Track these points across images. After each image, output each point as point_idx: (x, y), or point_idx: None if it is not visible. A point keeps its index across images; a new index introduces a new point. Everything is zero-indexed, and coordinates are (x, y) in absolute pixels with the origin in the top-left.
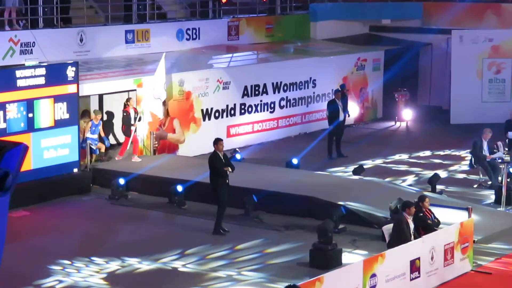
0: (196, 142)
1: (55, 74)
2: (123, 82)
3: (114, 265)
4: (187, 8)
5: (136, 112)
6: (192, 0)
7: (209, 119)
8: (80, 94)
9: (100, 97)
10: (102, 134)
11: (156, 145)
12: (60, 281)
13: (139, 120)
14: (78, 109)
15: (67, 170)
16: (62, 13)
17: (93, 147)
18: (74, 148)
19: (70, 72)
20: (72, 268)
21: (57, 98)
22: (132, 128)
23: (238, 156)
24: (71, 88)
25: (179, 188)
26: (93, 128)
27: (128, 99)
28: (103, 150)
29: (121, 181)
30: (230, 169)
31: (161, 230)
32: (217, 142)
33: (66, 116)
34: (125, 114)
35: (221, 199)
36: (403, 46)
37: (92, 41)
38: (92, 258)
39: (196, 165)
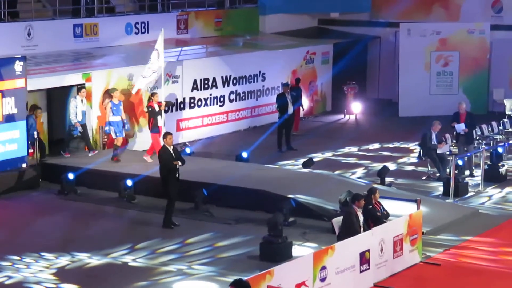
0: (145, 136)
1: (2, 68)
2: (72, 77)
3: (64, 260)
4: (135, 1)
5: (160, 106)
6: None
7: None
8: (28, 89)
9: (49, 91)
10: (123, 117)
11: (106, 140)
12: (10, 277)
13: (160, 114)
14: (27, 104)
15: (15, 165)
16: (10, 7)
17: (113, 134)
18: (23, 143)
19: (18, 66)
20: (22, 263)
21: (5, 93)
22: (160, 123)
23: (188, 150)
24: (19, 83)
25: (129, 182)
26: (114, 109)
27: (153, 94)
28: (119, 143)
29: (70, 176)
30: (180, 163)
31: (111, 224)
32: (166, 136)
33: (14, 111)
34: (150, 109)
35: (170, 193)
36: (352, 39)
37: (40, 35)
38: (42, 253)
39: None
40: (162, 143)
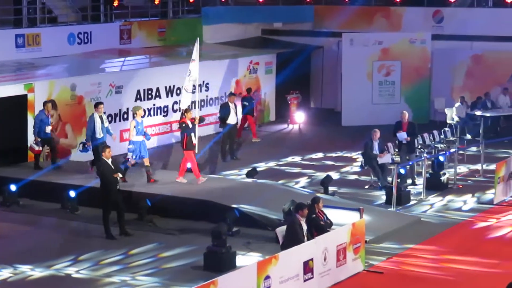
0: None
1: None
2: (14, 87)
3: (6, 273)
4: (78, 11)
5: (193, 122)
6: (83, 3)
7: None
8: None
9: None
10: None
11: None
12: None
13: (193, 131)
14: None
15: None
16: None
17: (131, 159)
18: None
19: None
20: None
21: None
22: (195, 141)
23: (129, 164)
24: None
25: (72, 193)
26: (139, 127)
27: (186, 110)
28: (147, 163)
29: (13, 187)
30: (120, 175)
31: (54, 236)
32: (105, 149)
33: None
34: (183, 125)
35: (107, 205)
36: (295, 49)
37: None
38: None
39: (34, 167)
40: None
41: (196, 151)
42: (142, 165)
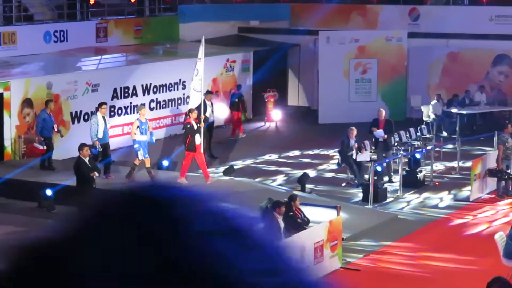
0: (65, 146)
1: None
2: None
3: None
4: (54, 10)
5: (198, 123)
6: (60, 2)
7: (78, 122)
8: None
9: None
10: (150, 129)
11: (25, 149)
12: None
13: (198, 132)
14: None
15: None
16: None
17: (140, 155)
18: None
19: None
20: None
21: None
22: (198, 142)
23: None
24: None
25: (48, 192)
26: (143, 127)
27: (190, 110)
28: (148, 164)
29: None
30: (96, 174)
31: (30, 235)
32: (82, 148)
33: None
34: (188, 126)
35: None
36: (272, 47)
37: None
38: None
39: (66, 169)
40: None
41: (202, 151)
42: (143, 166)
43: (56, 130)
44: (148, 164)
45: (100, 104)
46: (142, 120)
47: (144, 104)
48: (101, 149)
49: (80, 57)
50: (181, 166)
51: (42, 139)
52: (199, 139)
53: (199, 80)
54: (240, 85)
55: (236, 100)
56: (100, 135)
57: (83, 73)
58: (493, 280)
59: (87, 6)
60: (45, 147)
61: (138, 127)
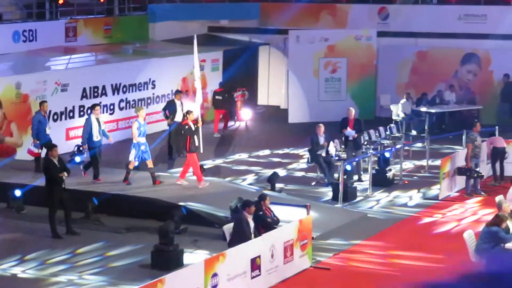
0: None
1: None
2: None
3: None
4: (23, 9)
5: (196, 124)
6: (28, 1)
7: (48, 121)
8: None
9: None
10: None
11: None
12: None
13: (197, 133)
14: None
15: None
16: None
17: (131, 157)
18: None
19: None
20: None
21: None
22: (197, 143)
23: (77, 159)
24: None
25: (17, 192)
26: (141, 129)
27: (188, 112)
28: (151, 165)
29: None
30: (66, 174)
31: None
32: (51, 148)
33: None
34: (186, 127)
35: (53, 204)
36: (242, 46)
37: None
38: None
39: (35, 169)
40: None
41: (201, 151)
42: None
43: (47, 132)
44: (150, 165)
45: (93, 106)
46: (141, 121)
47: (142, 107)
48: (85, 152)
49: (49, 56)
50: (183, 167)
51: (38, 141)
52: (198, 140)
53: (199, 77)
54: (221, 82)
55: (220, 97)
56: (95, 138)
57: (52, 72)
58: None
59: (56, 6)
60: (40, 150)
61: (137, 128)
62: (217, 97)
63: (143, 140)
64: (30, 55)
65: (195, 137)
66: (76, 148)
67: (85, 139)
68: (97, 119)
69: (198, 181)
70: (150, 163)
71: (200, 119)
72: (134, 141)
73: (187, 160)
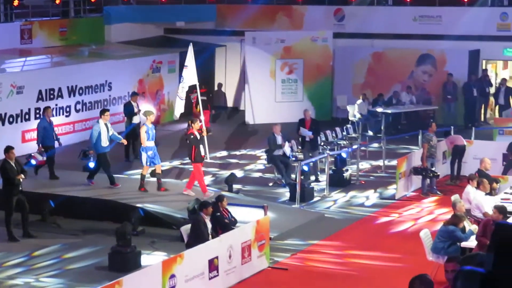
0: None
1: None
2: None
3: None
4: None
5: (201, 133)
6: None
7: (3, 124)
8: None
9: None
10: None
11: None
12: None
13: (202, 142)
14: None
15: None
16: None
17: (144, 161)
18: None
19: None
20: None
21: None
22: (203, 153)
23: (33, 162)
24: None
25: None
26: (150, 133)
27: (192, 121)
28: (159, 171)
29: None
30: (23, 176)
31: None
32: (8, 150)
33: None
34: (192, 137)
35: (10, 207)
36: (198, 48)
37: None
38: None
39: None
40: None
41: (208, 159)
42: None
43: (55, 138)
44: (158, 171)
45: (103, 111)
46: (149, 125)
47: (151, 110)
48: (93, 158)
49: (4, 59)
50: (189, 178)
51: (43, 149)
52: (203, 150)
53: (182, 87)
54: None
55: (205, 98)
56: (104, 144)
57: (7, 75)
58: (415, 277)
59: (11, 8)
60: (44, 158)
61: (146, 132)
62: (202, 97)
63: (151, 144)
64: None
65: (201, 146)
66: (81, 152)
67: (93, 144)
68: (106, 124)
69: (203, 192)
70: (158, 169)
71: (204, 128)
72: (143, 145)
73: (193, 171)
